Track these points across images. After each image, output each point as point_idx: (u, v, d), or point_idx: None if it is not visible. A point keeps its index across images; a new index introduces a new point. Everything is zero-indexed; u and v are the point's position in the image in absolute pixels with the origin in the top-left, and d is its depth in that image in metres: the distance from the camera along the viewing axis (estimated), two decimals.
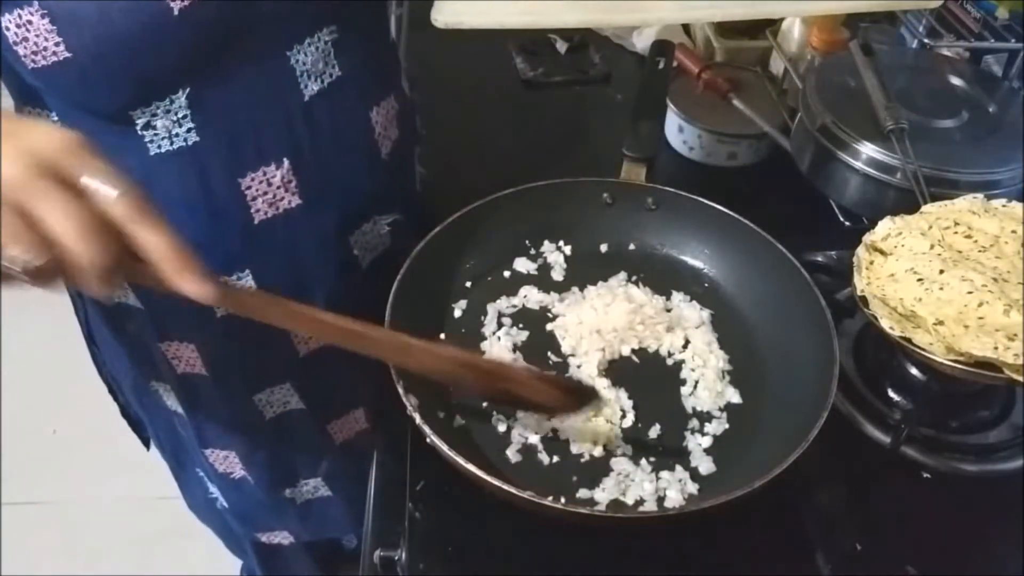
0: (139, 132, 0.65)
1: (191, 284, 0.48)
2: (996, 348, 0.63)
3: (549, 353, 0.75)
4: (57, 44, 0.58)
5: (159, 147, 0.66)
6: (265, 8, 0.64)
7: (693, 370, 0.74)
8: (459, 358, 0.66)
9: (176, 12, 0.59)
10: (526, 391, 0.65)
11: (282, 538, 1.05)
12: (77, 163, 0.45)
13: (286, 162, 0.72)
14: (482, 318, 0.78)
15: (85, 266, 0.45)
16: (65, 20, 0.57)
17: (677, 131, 1.06)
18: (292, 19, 0.66)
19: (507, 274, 0.81)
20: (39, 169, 0.44)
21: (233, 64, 0.64)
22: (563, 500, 0.64)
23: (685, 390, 0.73)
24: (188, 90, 0.63)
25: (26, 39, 0.58)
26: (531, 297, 0.80)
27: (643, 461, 0.67)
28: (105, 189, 0.45)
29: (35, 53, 0.58)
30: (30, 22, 0.57)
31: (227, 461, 0.93)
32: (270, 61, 0.66)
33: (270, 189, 0.72)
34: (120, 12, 0.58)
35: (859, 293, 0.71)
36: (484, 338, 0.76)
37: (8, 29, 0.57)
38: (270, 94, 0.67)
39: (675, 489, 0.65)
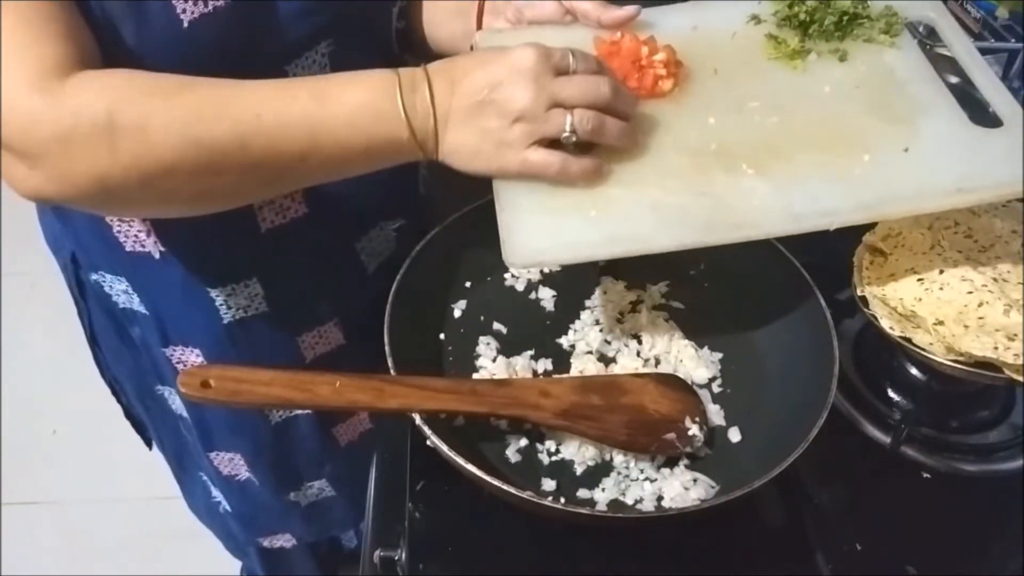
0: None
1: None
2: (996, 348, 0.64)
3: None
4: None
5: None
6: (270, 19, 0.63)
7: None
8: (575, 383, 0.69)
9: (185, 24, 0.58)
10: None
11: (284, 541, 1.05)
12: (558, 56, 0.61)
13: None
14: (482, 318, 0.78)
15: (608, 97, 0.61)
16: None
17: None
18: (290, 33, 0.65)
19: (507, 274, 0.81)
20: (546, 63, 0.60)
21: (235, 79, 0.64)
22: (563, 500, 0.64)
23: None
24: None
25: None
26: (531, 297, 0.80)
27: (643, 461, 0.67)
28: (578, 62, 0.62)
29: None
30: None
31: (232, 463, 0.93)
32: (269, 76, 0.65)
33: (276, 198, 0.72)
34: (130, 24, 0.58)
35: (859, 293, 0.71)
36: None
37: None
38: None
39: (675, 489, 0.65)
